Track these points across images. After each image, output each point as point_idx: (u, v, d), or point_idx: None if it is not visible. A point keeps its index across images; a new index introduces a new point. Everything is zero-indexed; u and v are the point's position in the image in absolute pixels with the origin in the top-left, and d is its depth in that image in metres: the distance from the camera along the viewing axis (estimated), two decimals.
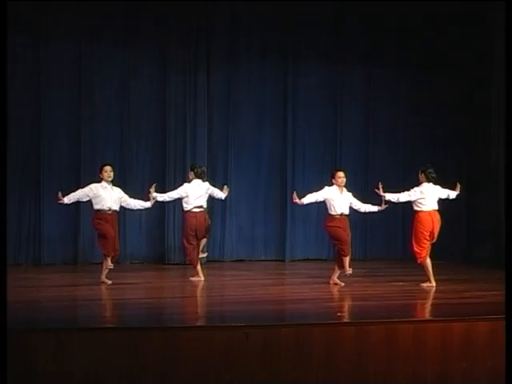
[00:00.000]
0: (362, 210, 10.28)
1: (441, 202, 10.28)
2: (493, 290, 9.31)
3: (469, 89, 13.10)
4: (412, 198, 10.07)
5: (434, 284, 10.04)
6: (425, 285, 10.05)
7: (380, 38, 13.14)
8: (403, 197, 10.12)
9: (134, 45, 12.33)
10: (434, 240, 10.09)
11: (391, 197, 10.12)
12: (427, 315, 8.66)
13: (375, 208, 10.25)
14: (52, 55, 12.02)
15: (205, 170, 10.76)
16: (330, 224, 10.04)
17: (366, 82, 13.37)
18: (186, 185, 10.55)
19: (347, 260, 9.98)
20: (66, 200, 9.94)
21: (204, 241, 10.71)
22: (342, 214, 10.00)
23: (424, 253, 10.01)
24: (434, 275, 10.13)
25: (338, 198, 9.98)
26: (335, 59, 13.19)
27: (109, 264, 9.84)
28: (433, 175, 10.18)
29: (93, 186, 9.98)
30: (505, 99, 10.28)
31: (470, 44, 12.95)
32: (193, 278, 10.45)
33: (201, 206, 10.49)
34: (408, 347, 7.18)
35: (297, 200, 10.07)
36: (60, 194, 9.85)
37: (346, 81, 13.29)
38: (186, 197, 10.41)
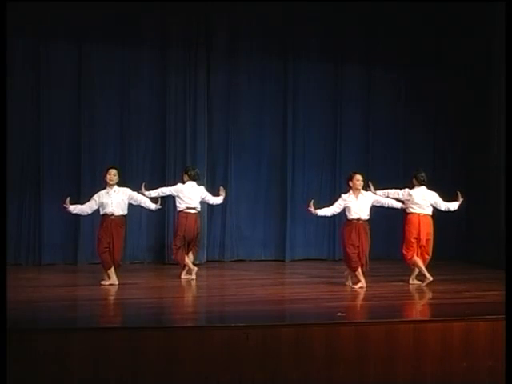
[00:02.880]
0: (386, 205, 10.10)
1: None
2: (493, 290, 9.33)
3: (469, 89, 13.10)
4: (400, 196, 10.24)
5: (430, 278, 10.11)
6: (424, 284, 10.08)
7: (380, 38, 13.13)
8: (392, 192, 10.27)
9: (134, 45, 12.32)
10: (422, 243, 10.14)
11: (381, 193, 10.25)
12: (427, 315, 8.67)
13: (399, 205, 10.14)
14: (52, 55, 12.02)
15: (198, 172, 10.81)
16: (345, 229, 9.94)
17: (366, 82, 13.36)
18: (179, 185, 10.69)
19: (359, 274, 9.83)
20: (71, 208, 9.90)
21: (191, 258, 10.73)
22: (358, 220, 9.83)
23: (410, 255, 10.16)
24: (435, 275, 10.18)
25: (354, 203, 9.84)
26: (335, 59, 13.19)
27: (111, 279, 9.80)
28: (421, 178, 10.25)
29: (96, 196, 9.88)
30: (505, 99, 10.29)
31: (470, 44, 12.95)
32: (192, 277, 10.50)
33: (194, 208, 10.58)
34: (408, 347, 7.19)
35: (311, 209, 9.93)
36: (68, 200, 9.83)
37: (346, 81, 13.27)
38: (178, 197, 10.56)
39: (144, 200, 10.09)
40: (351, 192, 9.93)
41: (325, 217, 10.30)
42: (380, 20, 13.04)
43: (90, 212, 10.04)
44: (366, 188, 10.10)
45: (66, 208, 9.89)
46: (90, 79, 12.18)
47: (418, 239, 10.14)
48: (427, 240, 10.17)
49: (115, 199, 9.82)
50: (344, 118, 13.26)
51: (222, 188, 10.91)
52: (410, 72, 13.29)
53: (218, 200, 10.90)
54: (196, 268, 10.65)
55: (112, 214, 9.76)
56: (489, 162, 12.47)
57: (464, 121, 13.27)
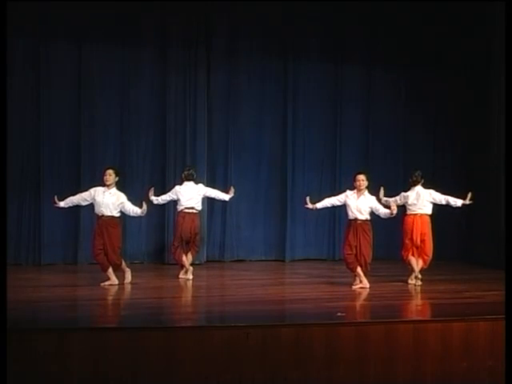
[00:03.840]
0: (382, 215, 9.86)
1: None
2: (493, 290, 9.33)
3: (469, 89, 13.10)
4: (398, 202, 10.29)
5: (419, 276, 10.16)
6: (418, 283, 10.14)
7: (380, 38, 13.14)
8: (392, 200, 10.34)
9: (134, 45, 12.32)
10: (417, 244, 10.18)
11: (384, 200, 10.35)
12: (427, 315, 8.67)
13: (389, 212, 9.92)
14: (52, 55, 12.02)
15: (192, 172, 10.79)
16: (346, 229, 9.99)
17: (366, 82, 13.36)
18: (176, 187, 10.76)
19: (358, 275, 9.80)
20: (63, 204, 9.93)
21: (190, 259, 10.73)
22: (356, 220, 9.78)
23: (405, 255, 10.27)
24: (435, 275, 10.32)
25: (353, 203, 9.82)
26: (335, 59, 13.19)
27: (111, 279, 9.80)
28: (414, 178, 10.31)
29: (93, 189, 9.88)
30: (505, 99, 10.28)
31: (470, 44, 12.95)
32: (188, 277, 10.55)
33: (192, 208, 10.62)
34: (408, 347, 7.19)
35: (309, 205, 10.05)
36: (56, 198, 9.88)
37: (346, 81, 13.27)
38: (178, 199, 10.65)
39: (132, 208, 9.86)
40: (355, 191, 9.92)
41: (326, 208, 10.36)
42: (380, 20, 13.03)
43: (82, 203, 10.03)
44: (373, 192, 10.03)
45: (57, 206, 9.94)
46: (90, 79, 12.18)
47: (412, 240, 10.19)
48: (422, 240, 10.18)
49: (106, 200, 9.75)
50: (344, 118, 13.26)
51: (232, 188, 10.93)
52: (409, 72, 13.29)
53: (223, 196, 10.92)
54: (191, 268, 10.65)
55: (102, 215, 9.75)
56: (489, 162, 12.47)
57: (464, 121, 13.27)
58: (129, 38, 12.28)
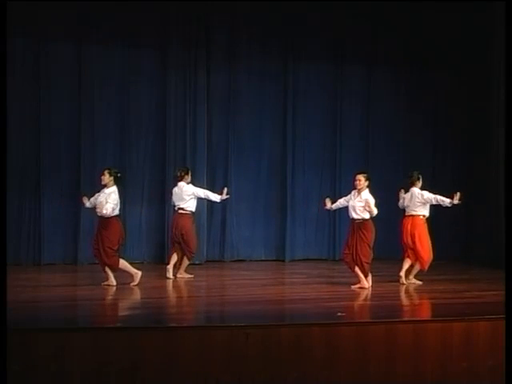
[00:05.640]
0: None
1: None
2: (493, 290, 9.32)
3: (469, 89, 13.10)
4: (404, 205, 10.39)
5: (404, 280, 10.13)
6: (401, 281, 10.14)
7: (380, 38, 13.15)
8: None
9: (134, 45, 12.33)
10: (410, 246, 10.18)
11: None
12: (427, 315, 8.67)
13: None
14: (52, 55, 12.03)
15: (177, 173, 10.81)
16: (348, 229, 10.01)
17: (366, 81, 13.37)
18: (175, 187, 10.78)
19: (358, 275, 9.77)
20: (88, 204, 9.99)
21: (186, 262, 10.72)
22: (353, 219, 9.78)
23: (404, 256, 10.30)
24: (435, 275, 10.33)
25: (351, 202, 9.83)
26: (335, 59, 13.19)
27: (109, 280, 9.77)
28: (409, 180, 10.38)
29: None
30: (505, 99, 10.28)
31: (470, 44, 12.95)
32: (169, 275, 10.51)
33: (181, 209, 10.64)
34: (408, 347, 7.18)
35: (327, 206, 10.23)
36: (85, 197, 9.96)
37: (346, 81, 13.28)
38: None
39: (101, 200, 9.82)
40: (354, 191, 9.91)
41: (339, 208, 10.47)
42: (380, 20, 13.04)
43: None
44: (374, 193, 10.00)
45: (83, 204, 10.06)
46: (90, 79, 12.18)
47: (403, 241, 10.25)
48: (413, 242, 10.17)
49: (97, 200, 9.76)
50: (344, 118, 13.27)
51: (225, 190, 10.89)
52: (410, 72, 13.30)
53: (213, 197, 10.87)
54: (170, 268, 10.55)
55: (98, 215, 9.77)
56: (489, 161, 12.47)
57: (464, 121, 13.27)
58: (129, 38, 12.29)
